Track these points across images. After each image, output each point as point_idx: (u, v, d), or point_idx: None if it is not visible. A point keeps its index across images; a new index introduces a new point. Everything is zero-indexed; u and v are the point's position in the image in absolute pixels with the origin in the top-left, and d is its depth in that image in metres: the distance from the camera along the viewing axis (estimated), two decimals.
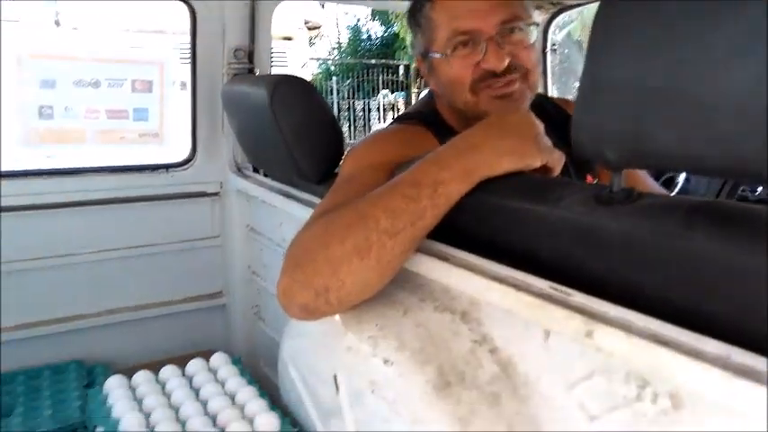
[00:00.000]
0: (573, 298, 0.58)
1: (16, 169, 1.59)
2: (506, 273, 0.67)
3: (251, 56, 1.70)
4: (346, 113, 10.92)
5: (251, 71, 1.70)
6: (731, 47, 0.46)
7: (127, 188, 1.63)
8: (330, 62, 12.92)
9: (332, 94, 11.08)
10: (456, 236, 0.77)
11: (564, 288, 0.60)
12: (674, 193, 1.36)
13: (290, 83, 1.14)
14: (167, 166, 1.70)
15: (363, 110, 10.92)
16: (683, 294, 0.51)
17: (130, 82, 1.65)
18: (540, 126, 0.77)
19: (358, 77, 11.41)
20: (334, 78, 11.77)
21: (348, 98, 11.18)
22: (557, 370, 0.62)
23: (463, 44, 0.96)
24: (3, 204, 1.47)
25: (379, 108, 10.95)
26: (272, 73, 1.78)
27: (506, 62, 0.94)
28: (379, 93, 11.24)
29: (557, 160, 0.76)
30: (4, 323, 1.50)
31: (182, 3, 1.64)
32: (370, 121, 10.83)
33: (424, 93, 1.12)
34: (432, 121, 1.04)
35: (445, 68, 1.00)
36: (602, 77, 0.57)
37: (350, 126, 10.82)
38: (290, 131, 1.13)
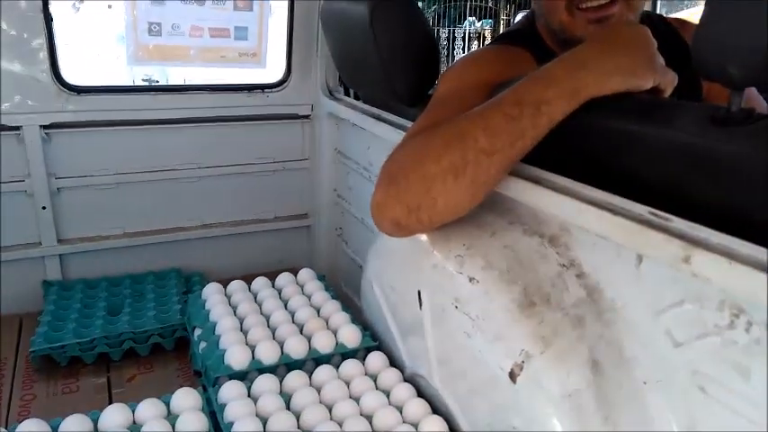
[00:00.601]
0: (673, 224, 0.56)
1: (125, 85, 1.68)
2: (602, 197, 0.65)
3: None
4: None
5: None
6: None
7: (225, 107, 1.69)
8: None
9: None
10: (554, 159, 0.75)
11: (664, 214, 0.58)
12: None
13: (391, 1, 1.12)
14: (263, 87, 1.74)
15: (448, 39, 10.52)
16: None
17: None
18: (654, 44, 0.72)
19: (444, 3, 10.95)
20: (420, 3, 11.41)
21: (433, 26, 10.80)
22: (645, 296, 0.62)
23: None
24: (112, 119, 1.57)
25: (464, 37, 10.52)
26: None
27: None
28: (465, 20, 10.79)
29: (669, 81, 0.71)
30: (112, 231, 1.63)
31: None
32: (454, 50, 10.45)
33: (519, 17, 1.06)
34: (532, 43, 1.00)
35: None
36: None
37: None
38: (388, 51, 1.12)
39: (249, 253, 1.81)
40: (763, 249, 0.48)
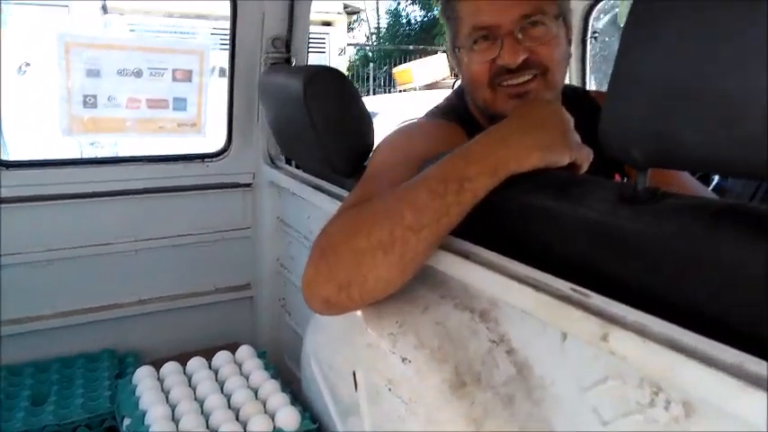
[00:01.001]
0: (591, 300, 0.57)
1: (58, 158, 1.64)
2: (526, 272, 0.66)
3: (288, 45, 1.71)
4: None
5: (288, 60, 1.71)
6: (762, 45, 0.44)
7: (163, 178, 1.67)
8: (368, 48, 12.91)
9: (368, 80, 11.08)
10: (478, 232, 0.76)
11: (583, 289, 0.58)
12: (709, 190, 1.31)
13: (325, 75, 1.15)
14: (203, 156, 1.73)
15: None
16: (702, 299, 0.50)
17: (171, 71, 1.68)
18: (570, 121, 0.75)
19: (395, 64, 11.35)
20: (372, 65, 11.77)
21: (384, 85, 11.14)
22: (572, 373, 0.61)
23: (483, 38, 0.93)
24: (44, 193, 1.52)
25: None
26: (310, 61, 1.78)
27: (521, 58, 0.90)
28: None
29: (585, 157, 0.74)
30: (42, 311, 1.55)
31: None
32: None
33: (458, 82, 1.10)
34: (462, 117, 1.03)
35: (466, 63, 0.98)
36: (632, 74, 0.55)
37: None
38: (323, 123, 1.14)
39: (188, 328, 1.74)
40: (674, 327, 0.49)
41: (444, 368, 0.69)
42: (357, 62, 12.29)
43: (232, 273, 1.81)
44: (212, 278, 1.78)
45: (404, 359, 0.74)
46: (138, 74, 1.63)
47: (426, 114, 1.10)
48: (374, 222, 0.72)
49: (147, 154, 1.70)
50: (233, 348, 1.38)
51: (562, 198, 0.65)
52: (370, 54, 12.67)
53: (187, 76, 1.68)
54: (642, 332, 0.50)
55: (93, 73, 1.62)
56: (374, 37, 13.40)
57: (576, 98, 1.09)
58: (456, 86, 1.11)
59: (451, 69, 1.11)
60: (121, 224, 1.63)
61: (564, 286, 0.60)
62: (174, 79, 1.67)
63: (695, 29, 0.50)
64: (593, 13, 2.24)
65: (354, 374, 0.84)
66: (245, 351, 1.37)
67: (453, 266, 0.76)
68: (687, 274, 0.51)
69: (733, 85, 0.46)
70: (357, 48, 12.61)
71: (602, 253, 0.59)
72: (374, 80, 11.09)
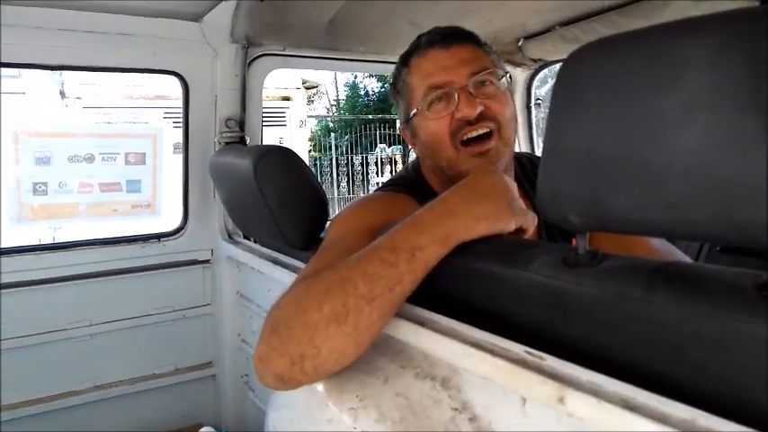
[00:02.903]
0: (546, 362, 0.58)
1: (9, 246, 1.60)
2: (483, 337, 0.67)
3: (242, 125, 1.74)
4: (345, 168, 11.06)
5: (242, 139, 1.74)
6: (678, 114, 0.48)
7: (119, 260, 1.64)
8: (329, 119, 13.18)
9: (330, 149, 11.26)
10: (433, 299, 0.77)
11: (538, 352, 0.60)
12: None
13: (274, 154, 1.17)
14: (159, 236, 1.71)
15: (362, 164, 11.05)
16: (648, 358, 0.51)
17: (123, 155, 1.68)
18: (514, 188, 0.78)
19: (356, 133, 11.60)
20: (333, 135, 11.99)
21: (347, 153, 11.34)
22: None
23: (438, 99, 1.00)
24: None
25: (377, 162, 11.10)
26: (273, 133, 1.82)
27: (479, 109, 0.97)
28: (376, 147, 11.41)
29: (530, 222, 0.77)
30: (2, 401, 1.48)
31: (174, 76, 1.69)
32: (368, 174, 10.96)
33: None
34: (416, 188, 1.07)
35: (424, 125, 1.04)
36: (561, 144, 0.59)
37: (348, 180, 10.95)
38: (275, 201, 1.15)
39: (150, 411, 1.68)
40: (626, 386, 0.50)
41: None
42: (319, 132, 12.51)
43: (193, 351, 1.76)
44: (173, 358, 1.74)
45: None
46: (90, 159, 1.62)
47: (381, 186, 1.13)
48: (326, 293, 0.72)
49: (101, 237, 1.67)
50: (195, 430, 1.33)
51: (509, 263, 0.67)
52: (332, 124, 12.93)
53: (140, 159, 1.68)
54: (596, 393, 0.51)
55: (43, 161, 1.61)
56: (334, 108, 13.71)
57: (530, 165, 1.17)
58: (411, 160, 1.15)
59: (405, 145, 1.18)
60: (76, 309, 1.59)
61: (519, 349, 0.62)
62: (128, 162, 1.67)
63: (613, 103, 0.54)
64: (535, 82, 2.37)
65: None
66: None
67: (411, 335, 0.77)
68: (631, 332, 0.53)
69: (654, 153, 0.50)
70: (318, 119, 12.86)
71: (551, 315, 0.61)
72: (336, 149, 11.29)
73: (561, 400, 0.53)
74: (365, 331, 0.72)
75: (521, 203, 0.77)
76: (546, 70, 2.45)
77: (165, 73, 1.68)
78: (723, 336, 0.45)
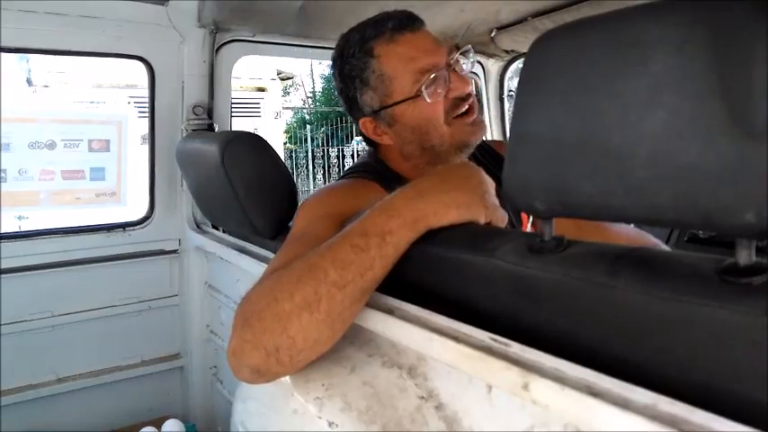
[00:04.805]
0: (511, 349, 0.57)
1: None
2: (447, 324, 0.66)
3: (210, 112, 1.71)
4: (321, 161, 11.00)
5: (210, 127, 1.71)
6: (642, 98, 0.48)
7: (83, 249, 1.60)
8: (305, 111, 13.07)
9: (306, 141, 11.18)
10: (402, 288, 0.76)
11: (503, 339, 0.59)
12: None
13: (241, 139, 1.15)
14: (124, 225, 1.67)
15: (338, 156, 11.00)
16: (611, 343, 0.51)
17: (87, 142, 1.63)
18: (491, 184, 0.78)
19: (332, 125, 11.53)
20: (309, 127, 11.90)
21: (323, 145, 11.28)
22: (500, 424, 0.61)
23: (432, 81, 1.00)
24: None
25: (353, 154, 11.06)
26: (247, 126, 1.79)
27: (471, 84, 1.02)
28: (353, 139, 11.37)
29: (500, 218, 0.77)
30: None
31: (140, 61, 1.65)
32: (344, 167, 10.92)
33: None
34: (381, 175, 1.06)
35: (416, 110, 1.02)
36: (526, 131, 0.58)
37: (324, 173, 10.90)
38: (242, 188, 1.13)
39: (115, 404, 1.65)
40: (590, 372, 0.50)
41: (372, 430, 0.68)
42: (295, 124, 12.39)
43: (160, 343, 1.73)
44: (139, 350, 1.70)
45: (330, 423, 0.71)
46: (51, 146, 1.58)
47: (344, 174, 1.12)
48: (297, 282, 0.71)
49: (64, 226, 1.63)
50: (159, 423, 1.30)
51: (476, 250, 0.66)
52: (308, 116, 12.82)
53: (105, 146, 1.64)
54: (560, 379, 0.51)
55: (3, 147, 1.56)
56: (310, 100, 13.59)
57: (485, 152, 1.19)
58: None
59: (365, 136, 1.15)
60: (37, 299, 1.55)
61: (484, 336, 0.61)
62: (91, 149, 1.63)
63: (579, 88, 0.53)
64: (507, 74, 2.38)
65: None
66: (171, 425, 1.30)
67: (378, 323, 0.76)
68: (595, 318, 0.53)
69: (618, 138, 0.50)
70: (294, 111, 12.73)
71: (518, 302, 0.60)
72: (312, 141, 11.21)
73: (526, 386, 0.53)
74: (338, 317, 0.72)
75: (494, 199, 0.77)
76: (518, 62, 2.47)
77: (130, 58, 1.63)
78: (684, 320, 0.45)
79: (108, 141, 1.65)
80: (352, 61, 1.05)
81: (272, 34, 1.80)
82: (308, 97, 13.77)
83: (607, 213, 0.53)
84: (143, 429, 1.27)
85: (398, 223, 0.72)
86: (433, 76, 1.00)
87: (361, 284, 0.71)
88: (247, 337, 0.73)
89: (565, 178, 0.54)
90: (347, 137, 11.49)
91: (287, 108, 12.18)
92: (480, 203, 0.75)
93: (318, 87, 14.02)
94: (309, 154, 10.86)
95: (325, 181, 10.65)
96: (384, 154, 1.11)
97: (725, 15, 0.45)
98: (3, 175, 1.53)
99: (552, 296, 0.56)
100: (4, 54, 1.62)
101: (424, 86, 1.00)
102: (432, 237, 0.73)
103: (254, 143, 1.16)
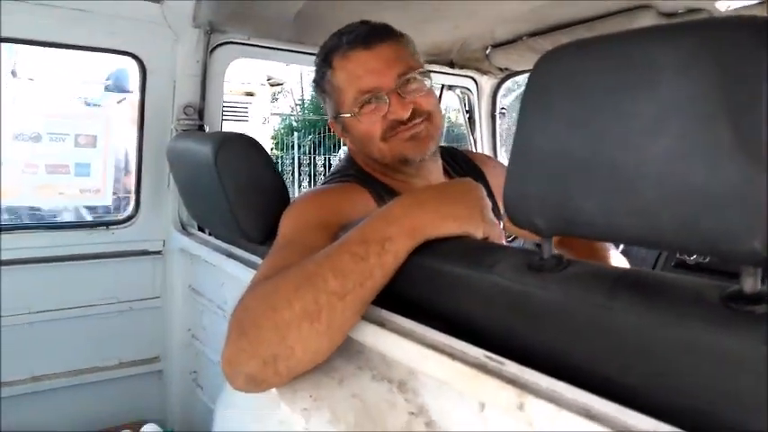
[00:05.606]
0: (506, 368, 0.57)
1: None
2: (442, 340, 0.65)
3: (201, 113, 1.69)
4: (307, 168, 10.95)
5: (201, 128, 1.69)
6: (649, 120, 0.48)
7: (64, 246, 1.56)
8: (293, 118, 13.02)
9: (293, 149, 11.14)
10: (398, 300, 0.75)
11: (498, 357, 0.58)
12: (618, 251, 1.39)
13: (236, 140, 1.13)
14: (108, 223, 1.64)
15: (324, 165, 10.98)
16: (608, 366, 0.51)
17: (74, 136, 1.60)
18: (486, 200, 0.78)
19: (320, 133, 11.50)
20: (296, 134, 11.86)
21: (309, 153, 11.25)
22: None
23: (368, 102, 1.03)
24: None
25: None
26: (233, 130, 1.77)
27: (410, 109, 1.02)
28: (340, 149, 11.35)
29: (497, 235, 0.77)
30: None
31: (132, 58, 1.63)
32: None
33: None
34: (358, 177, 1.09)
35: (356, 126, 1.06)
36: (530, 148, 0.58)
37: (310, 181, 10.85)
38: (234, 190, 1.12)
39: (90, 406, 1.61)
40: (586, 394, 0.49)
41: None
42: (282, 131, 12.33)
43: (139, 345, 1.70)
44: (117, 351, 1.67)
45: None
46: (37, 138, 1.54)
47: (327, 180, 1.13)
48: (296, 291, 0.70)
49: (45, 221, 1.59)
50: (138, 427, 1.27)
51: (474, 265, 0.66)
52: (295, 123, 12.77)
53: (91, 141, 1.61)
54: (556, 400, 0.50)
55: None
56: (298, 108, 13.55)
57: (453, 157, 1.23)
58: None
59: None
60: (14, 295, 1.51)
61: (478, 353, 0.60)
62: (77, 144, 1.60)
63: (585, 106, 0.53)
64: (501, 91, 2.39)
65: None
66: (150, 430, 1.27)
67: (369, 335, 0.75)
68: (592, 339, 0.52)
69: (624, 158, 0.49)
70: (282, 117, 12.68)
71: (513, 319, 0.60)
72: (299, 148, 11.18)
73: (521, 406, 0.52)
74: (338, 329, 0.71)
75: (492, 216, 0.77)
76: (510, 81, 2.48)
77: (121, 54, 1.61)
78: (686, 346, 0.45)
79: (95, 137, 1.62)
80: (318, 68, 1.12)
81: (268, 39, 1.79)
82: (296, 104, 13.73)
83: (608, 233, 0.53)
84: None
85: (397, 230, 0.72)
86: (368, 98, 1.03)
87: (362, 294, 0.70)
88: (243, 345, 0.71)
89: (567, 196, 0.54)
90: (334, 146, 11.46)
91: (275, 114, 12.13)
92: (479, 218, 0.75)
93: (307, 95, 14.00)
94: (296, 161, 10.82)
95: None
96: (356, 157, 1.14)
97: (732, 39, 0.45)
98: None
99: (549, 315, 0.55)
100: None
101: (358, 108, 1.04)
102: (427, 249, 0.72)
103: (249, 145, 1.14)
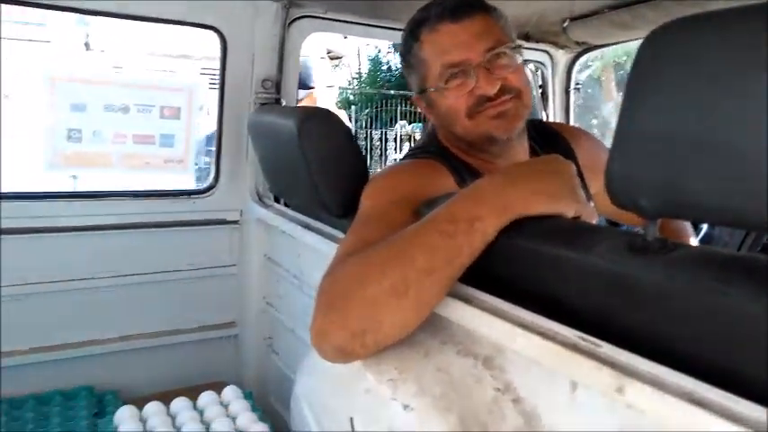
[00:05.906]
0: (601, 349, 0.56)
1: (40, 191, 1.61)
2: (532, 319, 0.65)
3: (278, 86, 1.72)
4: (363, 143, 10.97)
5: (278, 101, 1.72)
6: (762, 102, 0.45)
7: (148, 213, 1.64)
8: (350, 91, 13.05)
9: (350, 122, 11.18)
10: (485, 279, 0.75)
11: (592, 339, 0.58)
12: (698, 239, 1.33)
13: (319, 116, 1.15)
14: (189, 193, 1.71)
15: (381, 140, 10.97)
16: (717, 351, 0.49)
17: (159, 108, 1.67)
18: (577, 178, 0.76)
19: (376, 107, 11.48)
20: (353, 107, 11.89)
21: (366, 128, 11.26)
22: (583, 424, 0.60)
23: (455, 75, 1.00)
24: (25, 226, 1.48)
25: (396, 138, 11.00)
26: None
27: (498, 85, 0.99)
28: (396, 123, 11.31)
29: (589, 214, 0.75)
30: (18, 346, 1.50)
31: (213, 32, 1.67)
32: (386, 150, 10.88)
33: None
34: (440, 154, 1.07)
35: (442, 100, 1.04)
36: (638, 126, 0.56)
37: (366, 155, 10.87)
38: (317, 165, 1.14)
39: (170, 366, 1.70)
40: (691, 380, 0.48)
41: (449, 418, 0.68)
42: (339, 104, 12.40)
43: (216, 310, 1.77)
44: (196, 315, 1.75)
45: (405, 406, 0.71)
46: (125, 110, 1.62)
47: (409, 154, 1.13)
48: (385, 267, 0.71)
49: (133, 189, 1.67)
50: (218, 388, 1.34)
51: (570, 245, 0.65)
52: (352, 97, 12.80)
53: (175, 113, 1.67)
54: (659, 384, 0.49)
55: (79, 107, 1.61)
56: (355, 81, 13.55)
57: (539, 131, 1.19)
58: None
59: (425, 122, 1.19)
60: (103, 259, 1.60)
61: (571, 334, 0.60)
62: (162, 116, 1.66)
63: (698, 84, 0.51)
64: (576, 66, 2.31)
65: (352, 420, 0.81)
66: (230, 391, 1.33)
67: (455, 311, 0.75)
68: (701, 324, 0.51)
69: (740, 139, 0.47)
70: (339, 90, 12.74)
71: (612, 302, 0.59)
72: (356, 122, 11.20)
73: (620, 389, 0.52)
74: (426, 305, 0.72)
75: (582, 194, 0.75)
76: (584, 56, 2.39)
77: (202, 27, 1.65)
78: None
79: (179, 109, 1.68)
80: (405, 41, 1.09)
81: (344, 12, 1.79)
82: (353, 78, 13.72)
83: (722, 217, 0.51)
84: (203, 393, 1.30)
85: (486, 209, 0.71)
86: (454, 72, 1.00)
87: (449, 272, 0.71)
88: (333, 318, 0.73)
89: (676, 177, 0.52)
90: (391, 120, 11.41)
91: (331, 86, 12.18)
92: (571, 196, 0.73)
93: (365, 69, 13.95)
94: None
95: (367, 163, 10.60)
96: (439, 133, 1.12)
97: None
98: (78, 135, 1.57)
99: (653, 299, 0.54)
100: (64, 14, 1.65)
101: (444, 82, 1.01)
102: (517, 228, 0.72)
103: (331, 121, 1.16)
